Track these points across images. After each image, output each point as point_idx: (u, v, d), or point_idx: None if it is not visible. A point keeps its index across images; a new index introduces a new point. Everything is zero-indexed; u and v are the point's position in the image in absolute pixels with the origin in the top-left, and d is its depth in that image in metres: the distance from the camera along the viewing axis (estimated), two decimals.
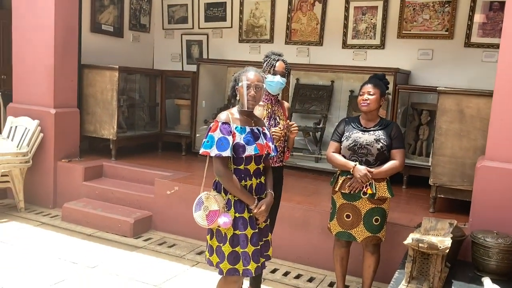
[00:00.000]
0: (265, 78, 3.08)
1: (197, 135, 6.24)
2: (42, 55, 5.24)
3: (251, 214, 2.66)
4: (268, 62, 3.15)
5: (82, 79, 5.68)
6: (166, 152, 6.53)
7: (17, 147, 5.08)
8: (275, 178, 3.00)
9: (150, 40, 7.07)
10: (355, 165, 3.12)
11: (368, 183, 3.10)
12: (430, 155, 4.73)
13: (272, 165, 3.15)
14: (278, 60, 3.14)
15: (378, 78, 3.28)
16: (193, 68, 6.43)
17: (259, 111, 3.13)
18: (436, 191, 4.05)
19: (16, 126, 5.26)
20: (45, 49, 5.22)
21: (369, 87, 3.15)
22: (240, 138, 2.60)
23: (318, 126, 5.80)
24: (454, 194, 3.99)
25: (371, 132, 3.16)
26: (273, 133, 3.04)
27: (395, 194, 4.69)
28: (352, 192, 3.15)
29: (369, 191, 3.10)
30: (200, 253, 4.27)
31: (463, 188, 3.88)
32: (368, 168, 3.09)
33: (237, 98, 2.72)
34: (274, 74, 3.11)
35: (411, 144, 5.17)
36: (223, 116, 2.64)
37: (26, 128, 5.18)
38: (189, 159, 6.17)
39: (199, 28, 6.76)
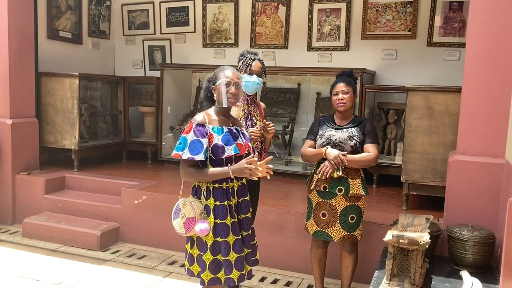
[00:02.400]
0: (242, 78, 3.01)
1: (163, 143, 6.07)
2: None
3: (235, 220, 2.56)
4: (244, 61, 3.07)
5: (40, 87, 5.43)
6: (131, 161, 6.33)
7: None
8: (253, 181, 2.90)
9: (110, 46, 6.86)
10: (327, 148, 3.08)
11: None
12: (400, 154, 4.78)
13: None
14: (254, 60, 3.07)
15: (347, 75, 3.26)
16: (156, 74, 6.29)
17: (236, 111, 3.05)
18: (408, 188, 4.07)
19: None
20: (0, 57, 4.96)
21: (342, 86, 3.12)
22: (218, 139, 2.50)
23: (286, 129, 5.76)
24: (426, 191, 4.02)
25: (344, 130, 3.13)
26: (251, 133, 2.96)
27: None
28: (323, 177, 3.07)
29: (335, 175, 3.04)
30: (172, 263, 4.12)
31: (434, 184, 3.92)
32: (341, 152, 3.04)
33: (214, 98, 2.61)
34: (251, 74, 3.04)
35: (379, 143, 5.19)
36: (198, 117, 2.53)
37: None
38: (156, 168, 5.99)
39: (161, 33, 6.62)
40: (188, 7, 6.39)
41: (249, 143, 2.69)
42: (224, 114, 2.62)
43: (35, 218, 4.74)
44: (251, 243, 2.68)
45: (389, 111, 5.11)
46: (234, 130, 2.61)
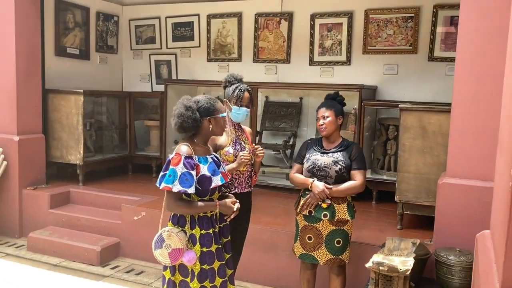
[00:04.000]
0: (230, 107, 3.11)
1: (168, 155, 6.16)
2: (3, 81, 5.14)
3: (219, 246, 2.62)
4: (234, 92, 3.12)
5: (46, 104, 5.58)
6: (136, 174, 6.44)
7: None
8: (243, 204, 2.96)
9: (118, 61, 7.01)
10: (313, 181, 3.11)
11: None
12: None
13: (241, 191, 3.13)
14: (244, 91, 3.13)
15: (331, 98, 3.29)
16: (162, 88, 6.38)
17: (224, 137, 3.10)
18: (403, 207, 4.06)
19: None
20: (6, 75, 5.12)
21: (323, 111, 3.17)
22: (205, 170, 2.56)
23: (288, 143, 5.79)
24: (420, 210, 3.99)
25: (330, 154, 3.15)
26: (242, 157, 3.02)
27: (365, 210, 4.74)
28: (307, 207, 3.12)
29: (324, 205, 3.07)
30: None
31: (428, 204, 3.89)
32: (326, 185, 3.07)
33: (209, 128, 2.65)
34: (241, 105, 3.11)
35: (380, 159, 5.18)
36: (184, 148, 2.57)
37: None
38: None
39: (167, 48, 6.73)
40: (193, 22, 6.49)
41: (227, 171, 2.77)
42: (205, 143, 2.68)
43: (40, 233, 4.88)
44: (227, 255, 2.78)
45: (389, 126, 5.08)
46: (215, 159, 2.67)
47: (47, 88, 5.59)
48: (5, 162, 5.10)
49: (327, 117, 3.13)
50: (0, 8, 5.08)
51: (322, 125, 3.14)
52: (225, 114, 2.68)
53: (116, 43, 6.90)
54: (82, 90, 5.46)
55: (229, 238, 2.79)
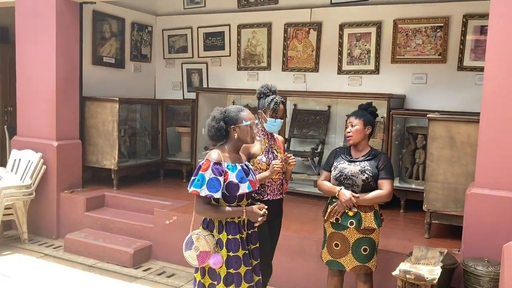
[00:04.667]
0: (265, 118, 3.22)
1: (199, 160, 6.31)
2: (44, 89, 5.41)
3: (246, 252, 2.72)
4: (270, 105, 3.21)
5: (84, 111, 5.83)
6: (167, 180, 6.62)
7: (21, 180, 5.20)
8: (275, 210, 3.07)
9: (151, 69, 7.23)
10: (340, 189, 3.18)
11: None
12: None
13: (273, 198, 3.24)
14: (279, 104, 3.24)
15: (363, 108, 3.35)
16: (193, 95, 6.54)
17: (257, 146, 3.21)
18: (430, 217, 4.08)
19: (19, 159, 5.39)
20: (47, 83, 5.38)
21: (351, 119, 3.24)
22: (233, 176, 2.68)
23: (316, 151, 5.86)
24: (448, 220, 4.01)
25: (357, 163, 3.21)
26: (275, 165, 3.11)
27: (393, 218, 4.77)
28: (334, 215, 3.19)
29: (351, 213, 3.14)
30: None
31: (456, 213, 3.90)
32: (353, 193, 3.14)
33: (235, 136, 2.77)
34: (276, 117, 3.21)
35: (408, 168, 5.20)
36: (214, 155, 2.70)
37: (29, 160, 5.30)
38: None
39: (198, 57, 6.91)
40: (224, 32, 6.65)
41: (257, 180, 2.87)
42: (236, 151, 2.79)
43: (76, 235, 5.09)
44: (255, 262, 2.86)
45: (418, 135, 5.10)
46: (245, 167, 2.78)
47: (84, 96, 5.84)
48: (44, 167, 5.35)
49: (355, 125, 3.21)
50: (42, 19, 5.35)
51: (349, 132, 3.21)
52: (248, 122, 2.75)
53: (149, 52, 7.13)
54: (117, 98, 5.69)
55: (257, 245, 2.89)
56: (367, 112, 3.31)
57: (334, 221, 3.22)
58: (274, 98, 3.24)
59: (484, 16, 5.08)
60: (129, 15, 6.69)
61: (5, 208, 4.97)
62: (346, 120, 3.31)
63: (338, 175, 3.23)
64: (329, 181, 3.34)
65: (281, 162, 3.17)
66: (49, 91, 5.38)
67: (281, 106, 3.25)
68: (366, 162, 3.21)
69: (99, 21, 6.23)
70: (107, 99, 5.76)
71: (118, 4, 6.39)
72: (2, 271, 4.49)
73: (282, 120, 3.27)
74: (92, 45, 6.16)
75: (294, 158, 3.28)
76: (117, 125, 5.66)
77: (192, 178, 2.71)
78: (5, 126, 6.72)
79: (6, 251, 5.00)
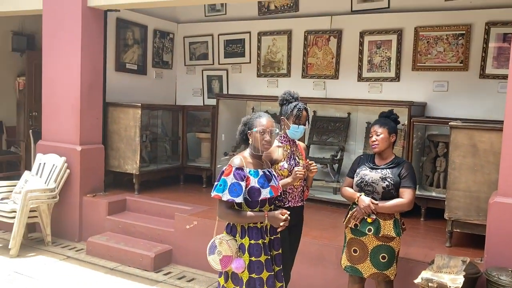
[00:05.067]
0: (288, 125, 3.24)
1: (218, 165, 6.37)
2: (69, 95, 5.53)
3: (268, 257, 2.74)
4: (293, 111, 3.23)
5: (107, 116, 5.94)
6: (187, 185, 6.68)
7: (45, 183, 5.32)
8: (296, 217, 3.09)
9: (172, 76, 7.33)
10: (360, 195, 3.19)
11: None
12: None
13: (294, 205, 3.25)
14: (302, 110, 3.25)
15: (385, 116, 3.36)
16: (214, 102, 6.61)
17: (279, 152, 3.24)
18: (452, 225, 4.05)
19: (44, 163, 5.51)
20: (72, 89, 5.50)
21: (376, 128, 3.24)
22: (254, 182, 2.71)
23: (335, 158, 5.86)
24: (470, 229, 3.97)
25: (379, 170, 3.22)
26: (297, 172, 3.12)
27: (413, 226, 4.74)
28: (353, 220, 3.19)
29: (369, 220, 3.14)
30: None
31: (479, 222, 3.86)
32: (372, 200, 3.15)
33: (250, 142, 2.83)
34: (299, 123, 3.23)
35: (429, 176, 5.17)
36: (236, 160, 2.75)
37: (53, 164, 5.42)
38: (209, 192, 6.15)
39: (219, 63, 6.99)
40: (244, 39, 6.72)
41: (280, 185, 2.89)
42: (258, 157, 2.83)
43: (98, 238, 5.18)
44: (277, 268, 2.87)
45: (439, 143, 5.07)
46: (268, 173, 2.82)
47: (107, 102, 5.95)
48: (68, 171, 5.46)
49: (380, 134, 3.21)
50: (68, 27, 5.49)
51: (374, 141, 3.22)
52: (256, 129, 2.77)
53: (171, 59, 7.23)
54: (140, 104, 5.78)
55: (280, 251, 2.91)
56: (390, 120, 3.32)
57: (353, 227, 3.23)
58: (297, 104, 3.26)
59: (507, 23, 5.06)
60: (151, 23, 6.81)
61: (30, 211, 5.08)
62: (369, 128, 3.32)
63: (359, 181, 3.24)
64: (352, 187, 3.35)
65: (303, 169, 3.19)
66: (73, 97, 5.50)
67: (304, 112, 3.27)
68: (388, 169, 3.21)
69: (122, 28, 6.36)
70: (129, 105, 5.87)
71: (141, 11, 6.52)
72: (27, 272, 4.59)
73: (305, 127, 3.29)
74: (116, 52, 6.28)
75: (316, 165, 3.30)
76: (139, 130, 5.75)
77: (215, 183, 2.75)
78: (31, 130, 6.89)
79: (30, 253, 5.11)
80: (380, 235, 3.14)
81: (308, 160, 3.37)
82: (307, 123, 3.32)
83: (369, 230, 3.15)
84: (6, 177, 6.83)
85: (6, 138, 7.66)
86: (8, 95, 7.72)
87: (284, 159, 3.24)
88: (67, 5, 5.47)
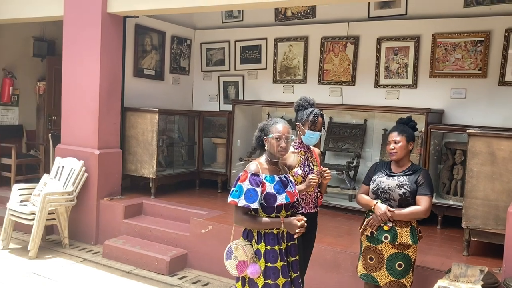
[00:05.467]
0: (303, 130, 3.24)
1: (233, 171, 6.40)
2: (88, 99, 5.62)
3: (284, 264, 2.75)
4: (308, 117, 3.24)
5: (124, 121, 6.01)
6: (203, 189, 6.72)
7: (63, 186, 5.40)
8: (309, 223, 3.08)
9: (189, 82, 7.40)
10: (376, 202, 3.18)
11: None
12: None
13: (308, 211, 3.25)
14: (318, 116, 3.26)
15: (403, 123, 3.34)
16: (230, 107, 6.65)
17: (293, 158, 3.25)
18: (469, 234, 4.00)
19: (63, 166, 5.60)
20: (91, 94, 5.59)
21: (394, 135, 3.22)
22: (270, 188, 2.72)
23: (351, 165, 5.84)
24: (488, 238, 3.92)
25: (395, 178, 3.20)
26: (311, 179, 3.12)
27: (430, 234, 4.70)
28: (369, 228, 3.18)
29: (386, 227, 3.12)
30: None
31: (497, 231, 3.81)
32: (389, 207, 3.13)
33: (265, 147, 2.85)
34: (314, 129, 3.23)
35: (446, 183, 5.12)
36: (252, 167, 2.76)
37: (72, 168, 5.51)
38: (224, 197, 6.27)
39: (235, 70, 7.03)
40: (260, 45, 6.76)
41: (297, 191, 2.88)
42: (274, 163, 2.84)
43: (114, 241, 5.23)
44: (295, 274, 2.86)
45: (456, 151, 5.02)
46: (284, 178, 2.82)
47: (125, 106, 6.03)
48: (86, 174, 5.54)
49: (399, 142, 3.19)
50: (88, 33, 5.59)
51: (392, 149, 3.20)
52: (272, 135, 2.78)
53: (188, 65, 7.31)
54: (157, 109, 5.85)
55: (297, 257, 2.90)
56: (408, 127, 3.30)
57: (369, 234, 3.21)
58: (313, 110, 3.26)
59: None
60: (169, 29, 6.89)
61: (48, 213, 5.16)
62: (386, 135, 3.30)
63: (375, 188, 3.23)
64: (368, 194, 3.34)
65: (317, 176, 3.18)
66: (92, 102, 5.59)
67: (320, 118, 3.27)
68: (404, 177, 3.19)
69: (141, 34, 6.45)
70: (147, 110, 5.94)
71: (159, 18, 6.61)
72: (45, 273, 4.66)
73: (320, 133, 3.29)
74: (134, 57, 6.37)
75: (330, 172, 3.30)
76: (156, 135, 5.82)
77: (231, 188, 2.77)
78: (50, 134, 7.00)
79: (48, 255, 5.19)
80: (396, 243, 3.12)
81: (322, 166, 3.36)
82: (322, 129, 3.32)
83: (386, 237, 3.13)
84: (26, 180, 6.96)
85: (26, 142, 7.79)
86: (28, 100, 7.87)
87: (298, 165, 3.24)
88: (87, 11, 5.58)
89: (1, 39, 7.22)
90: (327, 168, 3.29)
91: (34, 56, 7.85)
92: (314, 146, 3.50)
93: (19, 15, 6.38)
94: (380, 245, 3.17)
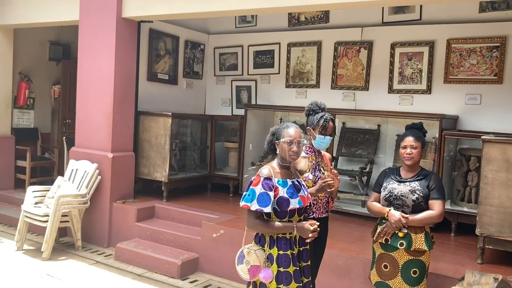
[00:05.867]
0: (313, 135, 3.22)
1: (245, 175, 6.40)
2: (102, 103, 5.67)
3: (297, 268, 2.73)
4: (319, 122, 3.23)
5: (138, 125, 6.06)
6: (214, 193, 6.73)
7: (77, 189, 5.46)
8: (320, 228, 3.06)
9: (202, 86, 7.44)
10: (390, 210, 3.15)
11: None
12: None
13: (319, 216, 3.24)
14: (329, 121, 3.25)
15: (416, 128, 3.32)
16: (242, 112, 6.65)
17: (304, 162, 3.24)
18: (484, 241, 3.94)
19: (76, 169, 5.66)
20: (105, 98, 5.64)
21: (411, 141, 3.19)
22: (283, 192, 2.71)
23: (364, 170, 5.80)
24: (503, 246, 3.87)
25: (407, 183, 3.17)
26: (325, 180, 3.09)
27: (443, 241, 4.65)
28: (384, 235, 3.15)
29: (401, 234, 3.09)
30: None
31: None
32: (403, 214, 3.10)
33: (277, 152, 2.85)
34: (325, 134, 3.22)
35: (460, 190, 5.06)
36: (265, 171, 2.76)
37: (85, 171, 5.56)
38: (236, 201, 6.30)
39: (248, 74, 7.05)
40: (273, 50, 6.77)
41: (310, 195, 2.87)
42: (286, 167, 2.83)
43: (126, 244, 5.26)
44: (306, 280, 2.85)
45: (471, 157, 4.97)
46: (296, 183, 2.82)
47: (139, 110, 6.08)
48: (99, 177, 5.58)
49: (416, 147, 3.17)
50: (103, 37, 5.65)
51: (410, 154, 3.17)
52: (283, 139, 2.77)
53: (201, 69, 7.34)
54: (170, 113, 5.89)
55: (309, 263, 2.89)
56: (421, 133, 3.29)
57: (384, 242, 3.18)
58: (324, 115, 3.25)
59: None
60: (183, 34, 6.94)
61: (61, 216, 5.21)
62: (402, 140, 3.25)
63: (387, 195, 3.20)
64: (379, 202, 3.31)
65: (329, 177, 3.13)
66: (106, 105, 5.64)
67: (331, 123, 3.26)
68: (416, 182, 3.17)
69: (155, 39, 6.50)
70: (160, 113, 5.98)
71: (173, 23, 6.66)
72: (58, 275, 4.70)
73: (331, 138, 3.27)
74: (148, 62, 6.42)
75: (339, 176, 3.24)
76: (169, 139, 5.85)
77: (244, 192, 2.77)
78: (64, 137, 7.09)
79: (61, 256, 5.24)
80: (411, 249, 3.09)
81: (332, 168, 3.32)
82: (333, 134, 3.30)
83: (401, 244, 3.10)
84: (40, 182, 7.05)
85: (41, 144, 7.90)
86: (44, 103, 7.98)
87: (309, 170, 3.22)
88: (103, 16, 5.65)
89: (18, 43, 7.33)
90: (336, 171, 3.25)
91: (50, 60, 7.97)
92: (326, 151, 3.48)
93: (36, 19, 6.49)
94: (395, 252, 3.15)
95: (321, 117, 3.24)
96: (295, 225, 2.71)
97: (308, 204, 2.86)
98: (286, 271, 2.70)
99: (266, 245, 2.74)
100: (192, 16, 5.58)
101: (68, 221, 5.36)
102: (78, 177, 5.60)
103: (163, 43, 6.65)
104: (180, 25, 6.82)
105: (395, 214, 3.10)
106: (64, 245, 5.65)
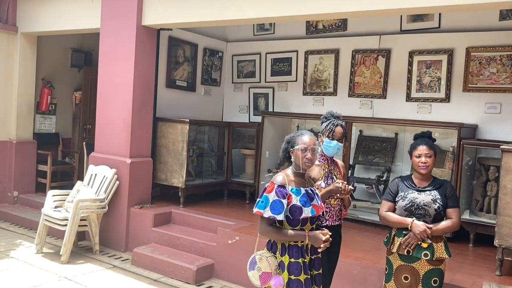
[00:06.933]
0: (323, 141, 3.22)
1: (262, 182, 6.40)
2: (121, 110, 5.77)
3: (308, 277, 2.73)
4: (327, 126, 3.26)
5: (156, 131, 6.14)
6: (231, 200, 6.76)
7: (96, 193, 5.55)
8: (333, 236, 3.06)
9: (220, 93, 7.50)
10: (413, 220, 3.11)
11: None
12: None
13: (332, 224, 3.23)
14: (337, 126, 3.25)
15: (427, 137, 3.31)
16: (259, 119, 6.68)
17: (316, 170, 3.24)
18: (503, 253, 3.88)
19: (95, 174, 5.76)
20: (125, 104, 5.74)
21: (425, 149, 3.17)
22: (296, 200, 2.72)
23: (381, 179, 5.76)
24: None
25: (428, 192, 3.15)
26: (337, 186, 3.09)
27: (461, 252, 4.59)
28: (406, 247, 3.11)
29: (424, 245, 3.06)
30: None
31: None
32: (427, 224, 3.07)
33: (292, 159, 2.86)
34: (332, 139, 3.22)
35: (479, 200, 4.99)
36: (279, 178, 2.78)
37: (104, 176, 5.65)
38: (252, 208, 6.24)
39: (265, 81, 7.09)
40: (291, 58, 6.79)
41: (323, 204, 2.88)
42: (301, 175, 2.84)
43: (143, 249, 5.32)
44: None
45: (490, 167, 4.90)
46: (310, 191, 2.82)
47: (157, 117, 6.16)
48: (117, 182, 5.67)
49: (430, 156, 3.16)
50: (123, 44, 5.76)
51: (425, 163, 3.15)
52: (297, 146, 2.79)
53: (219, 76, 7.41)
54: (188, 119, 5.95)
55: (320, 271, 2.88)
56: (432, 142, 3.27)
57: (406, 254, 3.14)
58: (333, 120, 3.28)
59: None
60: (202, 41, 7.02)
61: (80, 220, 5.30)
62: (415, 148, 3.24)
63: (408, 205, 3.15)
64: (393, 211, 3.26)
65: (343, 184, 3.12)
66: (125, 112, 5.73)
67: (339, 128, 3.24)
68: (435, 191, 3.14)
69: (174, 46, 6.59)
70: (178, 120, 6.04)
71: (192, 30, 6.74)
72: (76, 278, 4.78)
73: (339, 144, 3.24)
74: (167, 69, 6.51)
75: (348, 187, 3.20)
76: (186, 145, 5.91)
77: (257, 199, 2.79)
78: (84, 142, 7.22)
79: (79, 260, 5.32)
80: (433, 259, 3.07)
81: (345, 182, 3.27)
82: (343, 141, 3.29)
83: (425, 255, 3.07)
84: (60, 186, 7.18)
85: (62, 149, 8.05)
86: (65, 109, 8.14)
87: (322, 178, 3.22)
88: (123, 24, 5.75)
89: (41, 50, 7.51)
90: (346, 184, 3.17)
91: (71, 67, 8.14)
92: (343, 159, 3.47)
93: (59, 27, 6.65)
94: (416, 263, 3.11)
95: (330, 121, 3.27)
96: (307, 234, 2.71)
97: (321, 213, 2.86)
98: (297, 279, 2.70)
99: (277, 252, 2.76)
100: (211, 24, 5.64)
101: (86, 225, 5.44)
102: (97, 182, 5.69)
103: (182, 50, 6.73)
104: (199, 33, 6.91)
105: (419, 225, 3.06)
106: (82, 249, 5.74)
